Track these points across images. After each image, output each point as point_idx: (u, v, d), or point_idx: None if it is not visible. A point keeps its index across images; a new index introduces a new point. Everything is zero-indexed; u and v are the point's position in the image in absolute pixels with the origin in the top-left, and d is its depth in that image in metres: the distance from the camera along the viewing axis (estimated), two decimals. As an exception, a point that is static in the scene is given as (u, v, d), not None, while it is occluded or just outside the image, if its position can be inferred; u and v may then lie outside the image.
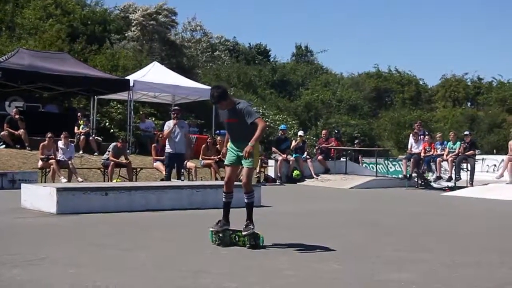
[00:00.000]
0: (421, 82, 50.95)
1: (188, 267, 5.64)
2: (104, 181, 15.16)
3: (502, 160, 18.27)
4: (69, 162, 15.13)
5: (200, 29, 41.86)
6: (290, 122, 30.41)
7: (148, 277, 5.22)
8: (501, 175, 16.82)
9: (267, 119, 30.34)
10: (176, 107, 15.46)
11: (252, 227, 6.68)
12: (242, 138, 6.77)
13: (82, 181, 14.60)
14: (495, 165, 21.62)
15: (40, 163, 15.13)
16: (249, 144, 6.60)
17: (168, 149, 13.87)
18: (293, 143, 19.33)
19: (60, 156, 15.22)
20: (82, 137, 18.48)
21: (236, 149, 6.86)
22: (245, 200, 6.87)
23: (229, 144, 7.02)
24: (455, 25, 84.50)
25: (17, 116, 17.81)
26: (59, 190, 9.57)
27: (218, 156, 16.80)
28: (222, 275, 5.34)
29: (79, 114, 19.56)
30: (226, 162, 7.00)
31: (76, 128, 18.80)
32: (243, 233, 6.67)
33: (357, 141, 26.39)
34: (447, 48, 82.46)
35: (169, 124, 13.97)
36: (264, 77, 41.79)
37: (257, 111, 7.42)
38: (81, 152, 17.95)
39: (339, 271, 5.63)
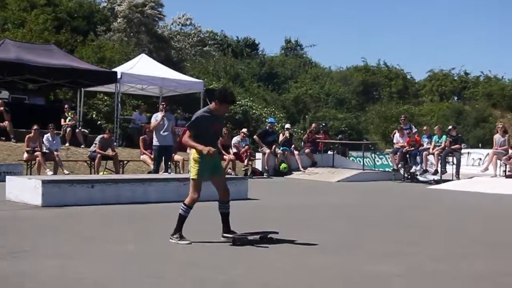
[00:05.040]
0: (408, 76, 51.16)
1: (175, 260, 5.63)
2: (90, 174, 15.08)
3: (487, 154, 18.40)
4: (55, 154, 15.03)
5: (190, 23, 41.69)
6: (278, 115, 30.44)
7: (134, 269, 5.21)
8: (486, 169, 16.95)
9: (254, 112, 30.41)
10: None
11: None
12: (216, 145, 6.82)
13: (68, 174, 14.52)
14: (480, 159, 21.78)
15: (25, 155, 15.00)
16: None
17: (156, 142, 13.82)
18: (281, 137, 19.33)
19: (45, 148, 15.12)
20: (68, 129, 18.36)
21: (209, 159, 6.42)
22: (225, 210, 6.59)
23: (200, 154, 6.37)
24: (444, 19, 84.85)
25: (1, 108, 17.64)
26: (44, 182, 9.50)
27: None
28: (210, 268, 5.34)
29: (66, 106, 19.43)
30: (200, 177, 6.43)
31: (62, 120, 18.68)
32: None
33: (340, 136, 26.41)
34: (435, 42, 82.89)
35: (156, 117, 13.93)
36: (252, 70, 41.73)
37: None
38: (67, 144, 17.84)
39: (326, 264, 5.65)
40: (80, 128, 19.34)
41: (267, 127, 19.78)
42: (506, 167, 16.36)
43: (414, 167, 17.79)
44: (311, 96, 39.91)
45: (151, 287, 4.66)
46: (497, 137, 16.86)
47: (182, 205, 6.49)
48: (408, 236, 7.59)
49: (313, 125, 21.73)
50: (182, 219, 6.46)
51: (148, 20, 35.82)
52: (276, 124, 22.80)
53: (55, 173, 14.59)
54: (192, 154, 6.50)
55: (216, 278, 4.94)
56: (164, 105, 14.18)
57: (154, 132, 13.91)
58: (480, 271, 5.56)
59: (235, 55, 44.04)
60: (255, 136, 19.55)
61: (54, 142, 15.48)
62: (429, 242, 7.09)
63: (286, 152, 18.76)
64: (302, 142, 22.67)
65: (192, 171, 6.46)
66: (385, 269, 5.46)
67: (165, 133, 13.70)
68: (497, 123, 24.74)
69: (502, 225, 9.03)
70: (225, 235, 6.56)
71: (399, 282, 5.00)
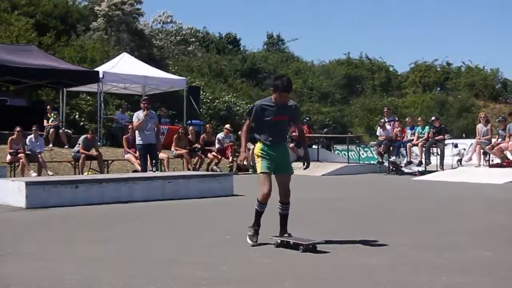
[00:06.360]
0: (391, 69, 51.36)
1: (160, 258, 5.61)
2: (75, 174, 14.99)
3: (471, 144, 18.52)
4: (39, 155, 14.92)
5: (171, 20, 41.53)
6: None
7: (119, 268, 5.18)
8: (470, 159, 17.07)
9: (239, 108, 30.38)
10: (146, 97, 15.14)
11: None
12: (282, 139, 6.39)
13: (52, 175, 14.42)
14: (464, 149, 21.91)
15: (8, 157, 14.88)
16: (303, 151, 6.64)
17: (139, 140, 13.67)
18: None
19: (28, 150, 14.99)
20: (51, 130, 18.24)
21: (273, 154, 6.20)
22: (284, 212, 6.42)
23: (262, 147, 6.25)
24: (426, 11, 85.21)
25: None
26: (28, 184, 9.43)
27: (194, 146, 17.07)
28: (195, 265, 5.32)
29: (48, 107, 19.30)
30: (266, 170, 6.15)
31: (45, 121, 18.54)
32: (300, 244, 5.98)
33: (326, 129, 26.49)
34: (419, 34, 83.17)
35: (138, 115, 13.75)
36: (234, 66, 41.70)
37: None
38: (51, 145, 17.73)
39: (313, 258, 5.66)
40: (63, 128, 19.22)
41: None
42: (489, 157, 16.49)
43: (394, 157, 17.85)
44: (294, 90, 39.95)
45: (133, 286, 4.63)
46: (480, 127, 16.97)
47: (256, 200, 6.36)
48: (393, 227, 7.62)
49: None
50: (257, 214, 6.35)
51: (128, 18, 35.62)
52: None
53: (39, 174, 14.49)
54: (255, 149, 6.32)
55: (200, 275, 4.92)
56: (145, 104, 13.90)
57: (137, 131, 13.75)
58: (466, 260, 5.60)
59: (218, 51, 43.98)
60: (239, 132, 19.52)
61: (38, 143, 15.38)
62: (414, 233, 7.13)
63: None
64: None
65: (257, 166, 6.27)
66: (372, 261, 5.48)
67: (148, 132, 13.58)
68: (480, 113, 24.91)
69: (487, 214, 9.09)
70: (276, 236, 6.27)
71: (385, 273, 5.02)
